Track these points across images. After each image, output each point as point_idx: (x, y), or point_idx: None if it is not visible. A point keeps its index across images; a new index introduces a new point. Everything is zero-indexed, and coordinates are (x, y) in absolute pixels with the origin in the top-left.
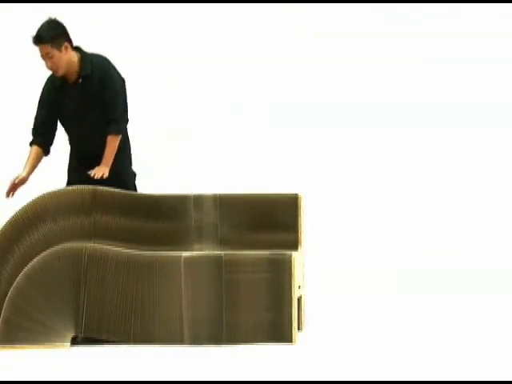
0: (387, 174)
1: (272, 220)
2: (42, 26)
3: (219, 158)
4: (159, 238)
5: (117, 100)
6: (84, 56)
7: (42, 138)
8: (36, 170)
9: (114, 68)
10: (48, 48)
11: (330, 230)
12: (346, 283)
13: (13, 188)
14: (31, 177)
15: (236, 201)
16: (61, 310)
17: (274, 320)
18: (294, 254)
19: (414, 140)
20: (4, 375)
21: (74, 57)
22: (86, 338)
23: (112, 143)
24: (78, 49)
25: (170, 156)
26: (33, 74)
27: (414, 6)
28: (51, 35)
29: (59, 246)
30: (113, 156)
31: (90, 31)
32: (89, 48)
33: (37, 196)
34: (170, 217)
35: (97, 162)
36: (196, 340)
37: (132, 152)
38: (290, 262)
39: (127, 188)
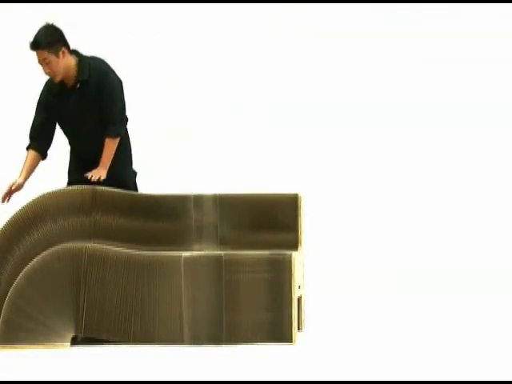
0: (387, 174)
1: (272, 220)
2: (39, 32)
3: (219, 158)
4: (159, 238)
5: (115, 103)
6: (81, 60)
7: (39, 143)
8: (34, 172)
9: (111, 70)
10: (45, 54)
11: (330, 230)
12: (346, 283)
13: (8, 194)
14: (31, 177)
15: (236, 201)
16: (61, 310)
17: (274, 320)
18: (294, 254)
19: (414, 140)
20: (4, 375)
21: (72, 61)
22: (86, 337)
23: (110, 146)
24: (75, 52)
25: (170, 156)
26: (33, 73)
27: (413, 5)
28: (48, 41)
29: (59, 246)
30: (110, 159)
31: (90, 31)
32: (89, 48)
33: (37, 196)
34: (170, 217)
35: (97, 163)
36: (196, 340)
37: (132, 151)
38: (290, 262)
39: (128, 188)
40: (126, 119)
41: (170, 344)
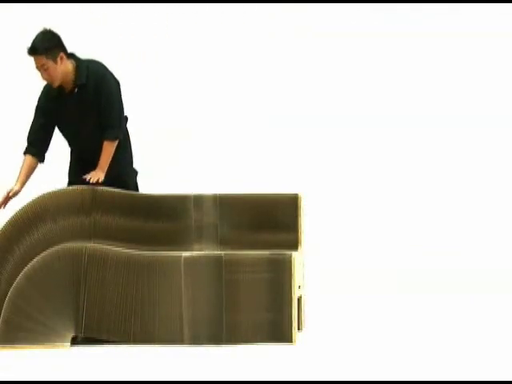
0: (387, 174)
1: (272, 220)
2: (36, 37)
3: (219, 158)
4: (159, 237)
5: (113, 106)
6: (79, 64)
7: (37, 147)
8: (31, 177)
9: (109, 73)
10: (43, 60)
11: (330, 230)
12: (346, 283)
13: (5, 201)
14: (31, 176)
15: (236, 201)
16: (61, 310)
17: (274, 320)
18: (294, 254)
19: (414, 140)
20: (4, 375)
21: (70, 66)
22: (86, 337)
23: (108, 148)
24: (72, 56)
25: (170, 156)
26: (33, 74)
27: (414, 5)
28: (46, 46)
29: (59, 246)
30: (109, 161)
31: (90, 31)
32: (89, 48)
33: (37, 196)
34: (170, 217)
35: (97, 164)
36: (196, 340)
37: (133, 151)
38: (290, 262)
39: (128, 188)
40: (126, 119)
41: (170, 344)
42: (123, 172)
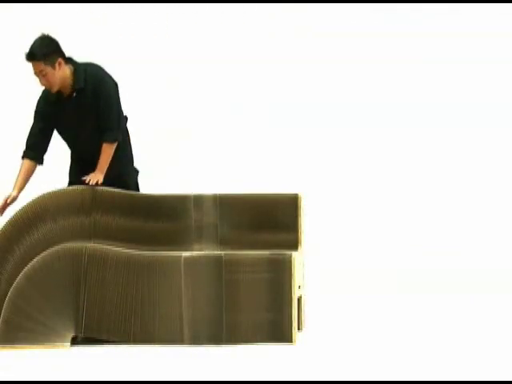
0: (387, 174)
1: (272, 220)
2: (34, 43)
3: (219, 158)
4: (159, 238)
5: (111, 108)
6: (77, 68)
7: (35, 151)
8: (29, 181)
9: (107, 75)
10: (41, 65)
11: (330, 230)
12: (346, 283)
13: (3, 208)
14: (30, 179)
15: (236, 201)
16: (61, 310)
17: (274, 320)
18: (294, 254)
19: (414, 140)
20: (4, 375)
21: (68, 71)
22: (86, 337)
23: (107, 151)
24: (70, 60)
25: (170, 156)
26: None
27: (414, 5)
28: (44, 52)
29: (59, 246)
30: (108, 163)
31: (90, 31)
32: (89, 48)
33: (37, 196)
34: (170, 217)
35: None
36: (196, 340)
37: (133, 151)
38: (290, 262)
39: (128, 188)
40: (126, 118)
41: (170, 344)
42: (123, 172)
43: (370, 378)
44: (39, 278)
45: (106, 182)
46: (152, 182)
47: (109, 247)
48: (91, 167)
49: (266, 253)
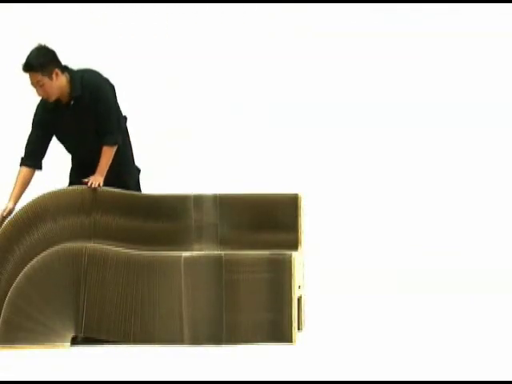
0: (387, 174)
1: (272, 220)
2: (31, 54)
3: (219, 158)
4: (159, 238)
5: (110, 111)
6: (73, 76)
7: (33, 159)
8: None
9: (103, 80)
10: (39, 76)
11: (330, 230)
12: (346, 283)
13: (1, 222)
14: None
15: (236, 201)
16: (61, 310)
17: (274, 320)
18: (294, 254)
19: (414, 140)
20: (4, 375)
21: (64, 80)
22: (86, 337)
23: (107, 153)
24: (66, 69)
25: (170, 156)
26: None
27: (414, 5)
28: (41, 62)
29: (59, 246)
30: (108, 165)
31: (90, 31)
32: (89, 48)
33: (37, 196)
34: (170, 217)
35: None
36: (196, 340)
37: (133, 149)
38: (290, 262)
39: (129, 187)
40: (125, 118)
41: (170, 344)
42: (124, 171)
43: (370, 378)
44: (39, 277)
45: (106, 182)
46: (152, 182)
47: (109, 247)
48: (92, 173)
49: (265, 253)
